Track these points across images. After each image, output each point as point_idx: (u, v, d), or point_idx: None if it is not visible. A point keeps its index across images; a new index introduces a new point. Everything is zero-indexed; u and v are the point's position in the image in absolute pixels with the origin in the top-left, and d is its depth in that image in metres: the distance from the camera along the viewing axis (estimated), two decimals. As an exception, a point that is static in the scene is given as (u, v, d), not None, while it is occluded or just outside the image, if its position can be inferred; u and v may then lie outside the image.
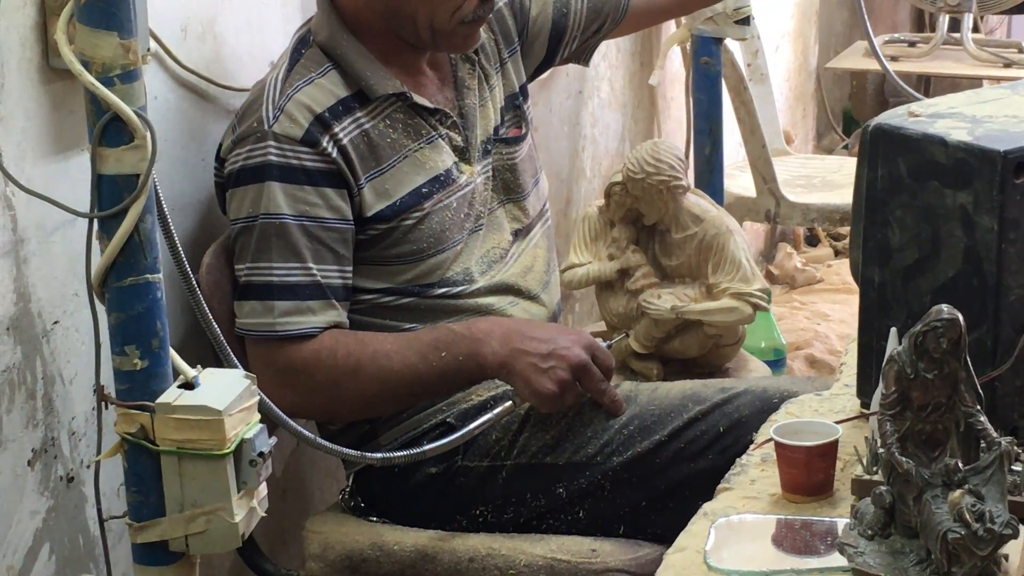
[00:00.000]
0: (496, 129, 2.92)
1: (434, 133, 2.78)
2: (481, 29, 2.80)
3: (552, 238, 3.03)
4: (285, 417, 2.37)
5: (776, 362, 3.89)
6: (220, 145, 2.74)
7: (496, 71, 2.94)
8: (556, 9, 3.02)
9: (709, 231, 2.91)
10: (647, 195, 2.88)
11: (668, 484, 2.61)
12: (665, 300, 2.88)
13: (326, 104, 2.67)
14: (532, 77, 3.08)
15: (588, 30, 3.08)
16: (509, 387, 2.69)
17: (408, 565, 2.73)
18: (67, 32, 2.13)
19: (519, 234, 2.92)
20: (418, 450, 2.61)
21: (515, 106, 2.96)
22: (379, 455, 2.59)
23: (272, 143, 2.63)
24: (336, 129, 2.66)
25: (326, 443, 2.52)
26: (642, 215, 2.93)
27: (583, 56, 3.23)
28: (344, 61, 2.72)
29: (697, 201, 2.94)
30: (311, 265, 2.63)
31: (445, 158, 2.78)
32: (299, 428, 2.44)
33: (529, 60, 3.02)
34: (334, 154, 2.65)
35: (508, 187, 2.93)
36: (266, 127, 2.64)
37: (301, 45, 2.75)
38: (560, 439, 2.71)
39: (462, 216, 2.79)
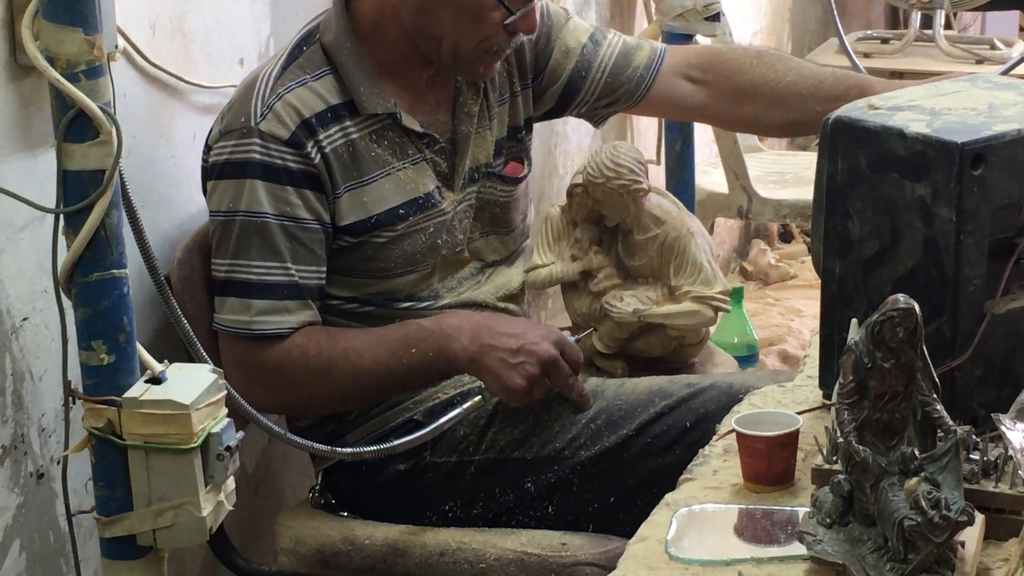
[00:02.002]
0: (491, 160, 2.88)
1: (419, 156, 2.76)
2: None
3: (527, 258, 3.05)
4: (255, 413, 2.37)
5: (749, 358, 3.91)
6: (209, 132, 2.74)
7: (502, 103, 2.90)
8: (576, 69, 2.95)
9: (671, 233, 2.91)
10: (608, 198, 2.88)
11: (636, 478, 2.61)
12: (627, 303, 2.88)
13: (315, 109, 2.66)
14: (539, 119, 3.04)
15: (601, 100, 3.01)
16: (476, 382, 2.69)
17: (379, 559, 2.73)
18: (32, 28, 2.13)
19: (497, 263, 2.91)
20: (387, 445, 2.61)
21: (517, 139, 2.94)
22: (349, 450, 2.60)
23: (258, 141, 2.63)
24: (321, 136, 2.65)
25: (297, 438, 2.52)
26: (604, 216, 2.94)
27: (595, 120, 3.16)
28: (343, 68, 2.70)
29: (659, 202, 2.94)
30: (290, 265, 2.63)
31: (427, 182, 2.76)
32: (269, 423, 2.44)
33: (539, 104, 2.98)
34: (316, 159, 2.64)
35: (495, 221, 2.91)
36: (253, 124, 2.63)
37: (304, 42, 2.74)
38: (528, 434, 2.72)
39: (439, 242, 2.77)
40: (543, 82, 2.95)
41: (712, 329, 3.19)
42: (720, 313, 2.94)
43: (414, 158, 2.75)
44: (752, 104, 3.01)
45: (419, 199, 2.74)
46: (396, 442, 2.61)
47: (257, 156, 2.62)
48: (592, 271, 2.92)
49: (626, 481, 2.64)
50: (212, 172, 2.68)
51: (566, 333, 2.76)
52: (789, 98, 2.97)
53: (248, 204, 2.62)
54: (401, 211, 2.72)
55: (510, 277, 2.91)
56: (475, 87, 2.83)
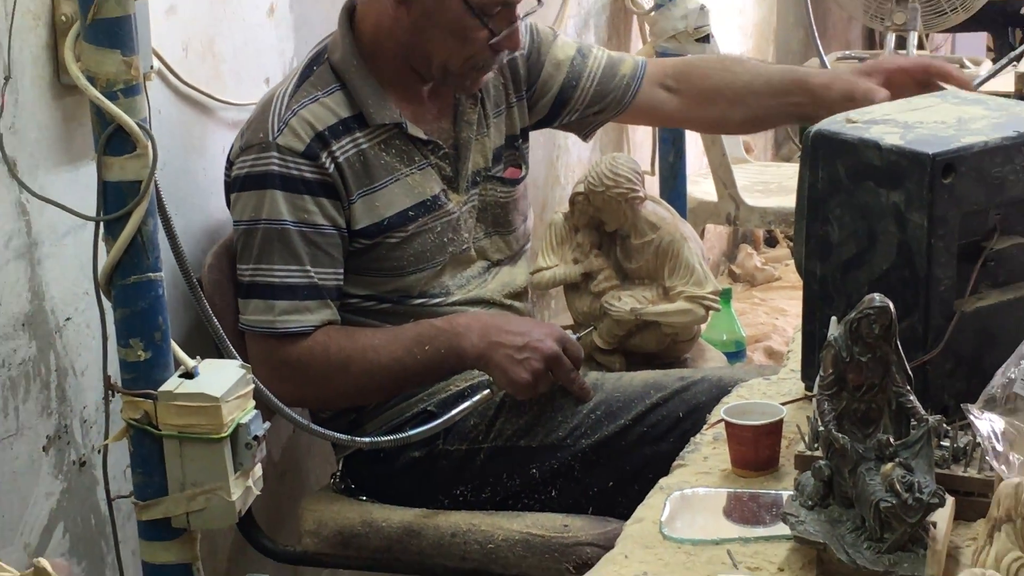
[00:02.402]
0: (490, 165, 2.88)
1: (425, 161, 2.77)
2: (491, 74, 2.80)
3: (530, 260, 3.04)
4: (281, 405, 2.37)
5: (737, 353, 3.90)
6: (231, 148, 2.74)
7: (499, 114, 2.90)
8: (567, 78, 2.96)
9: (665, 238, 2.92)
10: (607, 206, 2.89)
11: (632, 465, 2.61)
12: (625, 302, 2.89)
13: (327, 123, 2.67)
14: (533, 127, 3.04)
15: (591, 108, 3.00)
16: (486, 377, 2.70)
17: (395, 540, 2.73)
18: (75, 51, 2.13)
19: (501, 262, 2.91)
20: (403, 435, 2.62)
21: (514, 147, 2.94)
22: (367, 439, 2.60)
23: (275, 154, 2.63)
24: (334, 147, 2.66)
25: (320, 429, 2.53)
26: (604, 222, 2.94)
27: (584, 131, 3.13)
28: (351, 84, 2.70)
29: (655, 209, 2.94)
30: (309, 268, 2.63)
31: (433, 185, 2.77)
32: (294, 415, 2.45)
33: (533, 113, 2.98)
34: (331, 169, 2.65)
35: (497, 222, 2.90)
36: (271, 138, 2.64)
37: (314, 62, 2.74)
38: (533, 423, 2.72)
39: (445, 240, 2.78)
40: (535, 93, 2.95)
41: (703, 327, 3.19)
42: (711, 312, 2.94)
43: (420, 164, 2.75)
44: (716, 106, 3.03)
45: (427, 201, 2.74)
46: (411, 432, 2.61)
47: (276, 168, 2.63)
48: (592, 273, 2.93)
49: (623, 467, 2.64)
50: (235, 185, 2.68)
51: (568, 331, 2.77)
52: (747, 97, 3.00)
53: (269, 213, 2.63)
54: (411, 213, 2.72)
55: (514, 276, 2.91)
56: (473, 97, 2.83)
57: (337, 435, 2.57)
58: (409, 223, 2.72)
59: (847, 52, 6.42)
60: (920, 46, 6.07)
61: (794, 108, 2.97)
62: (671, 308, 2.88)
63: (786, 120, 3.09)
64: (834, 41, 6.63)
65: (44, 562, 1.44)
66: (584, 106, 3.00)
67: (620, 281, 2.95)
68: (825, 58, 5.58)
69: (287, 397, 2.46)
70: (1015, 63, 3.91)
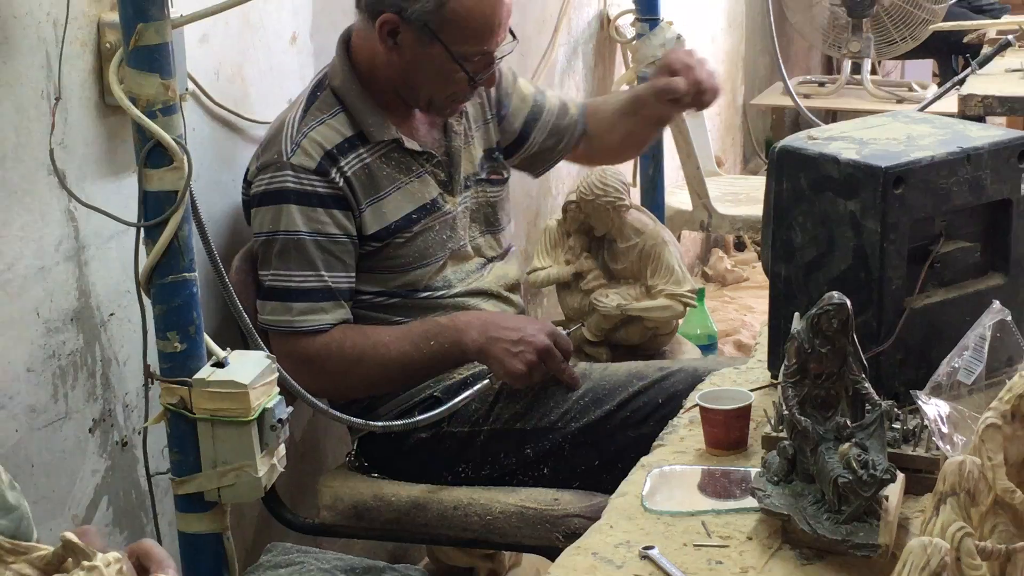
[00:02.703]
0: (478, 170, 2.91)
1: (422, 170, 2.77)
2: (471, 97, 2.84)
3: (520, 259, 3.05)
4: (304, 392, 2.38)
5: (709, 346, 3.90)
6: (247, 169, 2.75)
7: (479, 128, 2.93)
8: (530, 112, 2.99)
9: (648, 242, 2.93)
10: (596, 212, 2.90)
11: (616, 446, 2.61)
12: (612, 299, 2.90)
13: (335, 142, 2.67)
14: (503, 152, 3.04)
15: (547, 142, 3.03)
16: (486, 368, 2.71)
17: (404, 513, 2.74)
18: (118, 74, 2.14)
19: (494, 259, 2.92)
20: (412, 420, 2.63)
21: (493, 159, 2.95)
22: (380, 424, 2.61)
23: (290, 172, 2.64)
24: (342, 163, 2.67)
25: (337, 413, 2.54)
26: (593, 227, 2.95)
27: (535, 167, 3.13)
28: (351, 107, 2.71)
29: (638, 216, 2.95)
30: (323, 273, 2.64)
31: (431, 190, 2.78)
32: (315, 400, 2.45)
33: (504, 136, 3.00)
34: (340, 183, 2.65)
35: (488, 221, 2.92)
36: (285, 158, 2.64)
37: (317, 88, 2.75)
38: (528, 408, 2.73)
39: (444, 237, 2.79)
40: (505, 120, 2.98)
41: (680, 322, 3.20)
42: (688, 308, 2.95)
43: (418, 172, 2.76)
44: (606, 136, 3.04)
45: (426, 205, 2.76)
46: (419, 417, 2.62)
47: (291, 184, 2.63)
48: (583, 272, 2.94)
49: (608, 448, 2.64)
50: (253, 201, 2.68)
51: (558, 327, 2.78)
52: (616, 124, 3.04)
53: (286, 225, 2.63)
54: (414, 216, 2.73)
55: (507, 271, 2.92)
56: (458, 112, 2.86)
57: (353, 419, 2.57)
58: (413, 225, 2.73)
59: (808, 77, 6.44)
60: (873, 71, 6.09)
61: (644, 116, 2.99)
62: (653, 304, 2.89)
63: (647, 129, 3.07)
64: (796, 67, 6.64)
65: (71, 535, 1.42)
66: (543, 140, 3.02)
67: (607, 280, 2.96)
68: (789, 82, 5.60)
69: (306, 388, 2.46)
70: (958, 87, 3.92)
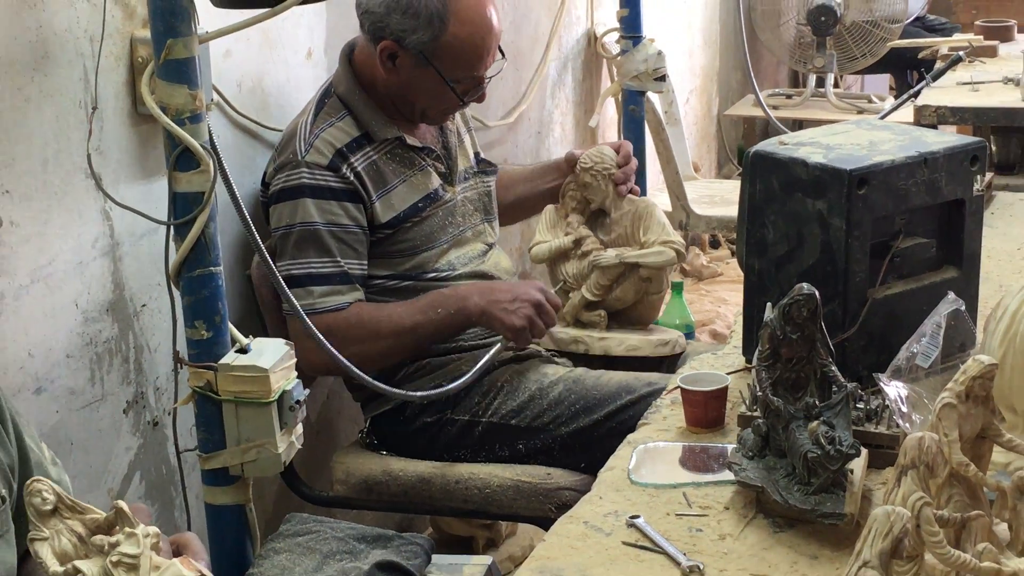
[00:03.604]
0: (473, 165, 2.94)
1: (424, 163, 2.79)
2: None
3: (505, 252, 3.06)
4: (348, 364, 2.42)
5: (687, 335, 3.89)
6: (265, 172, 2.75)
7: (466, 132, 2.97)
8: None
9: (640, 205, 2.94)
10: (594, 180, 2.90)
11: (602, 454, 2.54)
12: (610, 252, 2.91)
13: (344, 141, 2.68)
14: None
15: None
16: (496, 336, 2.73)
17: (410, 487, 2.74)
18: (150, 86, 2.14)
19: (492, 246, 2.94)
20: (441, 390, 2.64)
21: (480, 158, 2.99)
22: (420, 393, 2.63)
23: (305, 169, 2.63)
24: (352, 160, 2.67)
25: (380, 384, 2.53)
26: (588, 204, 2.95)
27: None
28: (356, 110, 2.72)
29: (629, 196, 2.97)
30: (339, 259, 2.63)
31: (433, 181, 2.79)
32: (360, 373, 2.46)
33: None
34: (351, 178, 2.65)
35: (486, 209, 2.94)
36: (300, 157, 2.64)
37: (324, 95, 2.76)
38: (523, 407, 2.71)
39: (446, 223, 2.80)
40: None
41: (662, 310, 3.19)
42: (676, 262, 2.95)
43: (420, 166, 2.78)
44: (501, 194, 3.05)
45: (430, 194, 2.77)
46: (449, 386, 2.63)
47: (306, 180, 2.63)
48: (580, 239, 2.93)
49: (595, 455, 2.55)
50: (272, 199, 2.68)
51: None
52: (513, 186, 3.11)
53: (303, 217, 2.63)
54: (419, 204, 2.74)
55: (501, 259, 2.95)
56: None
57: (395, 390, 2.57)
58: (419, 212, 2.74)
59: (776, 90, 6.44)
60: (836, 84, 6.09)
61: (540, 187, 3.06)
62: (649, 251, 2.89)
63: (536, 199, 3.09)
64: (766, 81, 6.63)
65: (123, 504, 1.43)
66: None
67: (603, 247, 2.96)
68: (760, 94, 5.60)
69: (329, 363, 2.46)
70: (913, 98, 3.92)
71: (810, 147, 2.06)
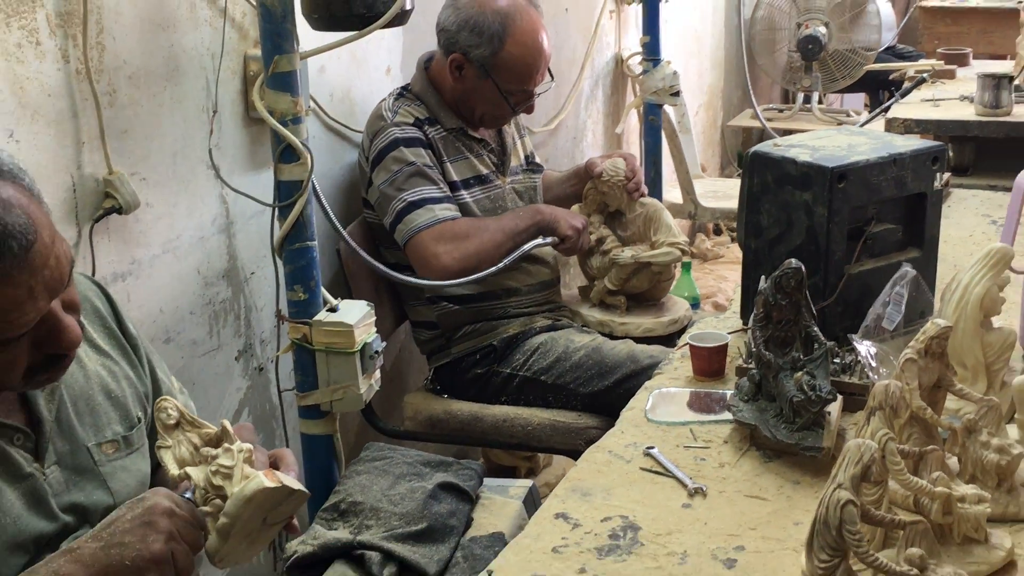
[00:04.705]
0: (524, 164, 2.92)
1: (480, 151, 2.79)
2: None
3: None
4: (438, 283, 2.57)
5: (694, 306, 3.88)
6: (362, 149, 2.73)
7: (519, 137, 2.95)
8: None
9: (651, 209, 2.94)
10: (612, 189, 2.90)
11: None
12: (627, 252, 2.90)
13: (420, 116, 2.70)
14: None
15: None
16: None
17: (465, 424, 2.75)
18: (259, 94, 2.16)
19: None
20: (490, 270, 2.66)
21: (529, 161, 2.97)
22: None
23: (395, 128, 2.66)
24: (426, 129, 2.69)
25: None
26: (608, 205, 2.95)
27: None
28: (428, 103, 2.74)
29: (642, 199, 2.96)
30: (440, 186, 2.65)
31: (485, 167, 2.80)
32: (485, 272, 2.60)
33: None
34: (429, 138, 2.68)
35: (532, 200, 2.92)
36: (389, 122, 2.66)
37: (403, 90, 2.78)
38: (551, 367, 2.71)
39: (496, 206, 2.79)
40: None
41: (675, 281, 3.19)
42: (682, 259, 2.95)
43: (477, 152, 2.79)
44: (544, 192, 3.02)
45: (480, 175, 2.77)
46: (501, 264, 2.66)
47: (397, 134, 2.65)
48: (602, 239, 2.93)
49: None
50: (374, 164, 2.67)
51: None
52: (552, 186, 3.07)
53: (404, 160, 2.63)
54: (471, 180, 2.75)
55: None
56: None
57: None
58: (469, 188, 2.74)
59: (770, 105, 6.38)
60: (820, 101, 6.03)
61: (570, 188, 3.04)
62: (658, 251, 2.88)
63: (566, 198, 3.08)
64: (762, 97, 6.57)
65: (226, 423, 1.45)
66: None
67: (620, 244, 2.96)
68: (757, 108, 5.56)
69: (456, 256, 2.56)
70: (884, 112, 3.88)
71: (799, 148, 2.04)
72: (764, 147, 2.07)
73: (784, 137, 2.17)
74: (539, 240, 2.74)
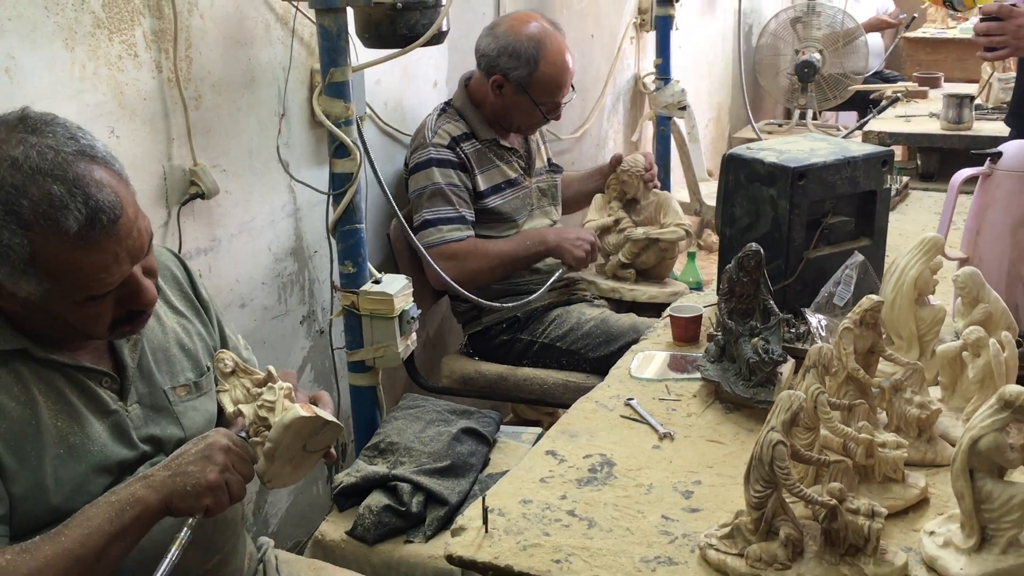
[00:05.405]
0: (546, 165, 2.93)
1: (510, 158, 2.79)
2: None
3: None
4: (460, 289, 2.51)
5: (697, 288, 3.87)
6: (406, 157, 2.76)
7: (542, 143, 2.95)
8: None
9: (662, 197, 2.96)
10: (630, 179, 2.93)
11: None
12: (639, 230, 2.92)
13: (457, 133, 2.69)
14: None
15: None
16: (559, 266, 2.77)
17: (494, 382, 2.77)
18: (318, 100, 2.20)
19: (555, 222, 2.92)
20: (532, 297, 2.69)
21: (551, 163, 2.98)
22: (509, 305, 2.69)
23: (432, 148, 2.66)
24: (463, 146, 2.69)
25: (482, 300, 2.59)
26: (626, 193, 2.97)
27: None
28: (467, 117, 2.73)
29: (655, 190, 2.98)
30: (459, 208, 2.64)
31: (515, 171, 2.79)
32: (477, 298, 2.55)
33: None
34: (462, 156, 2.68)
35: (553, 197, 2.93)
36: (428, 142, 2.67)
37: (445, 106, 2.78)
38: (565, 335, 2.72)
39: (523, 204, 2.80)
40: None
41: (679, 269, 3.20)
42: (686, 238, 2.96)
43: (507, 160, 2.79)
44: (564, 190, 3.03)
45: (511, 179, 2.77)
46: (528, 299, 2.70)
47: (433, 155, 2.65)
48: (619, 219, 2.95)
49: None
50: (410, 173, 2.70)
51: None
52: (570, 185, 3.07)
53: (432, 180, 2.64)
54: (502, 185, 2.75)
55: None
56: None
57: (487, 303, 2.61)
58: (501, 191, 2.74)
59: (771, 120, 6.33)
60: (815, 117, 5.97)
61: (589, 185, 3.04)
62: (667, 230, 2.90)
63: (583, 197, 3.09)
64: (764, 114, 6.52)
65: (271, 368, 1.49)
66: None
67: (634, 226, 2.98)
68: (755, 124, 5.52)
69: (456, 274, 2.53)
70: (860, 128, 3.86)
71: (767, 151, 2.05)
72: (739, 150, 2.08)
73: (756, 142, 2.18)
74: (559, 273, 2.75)
